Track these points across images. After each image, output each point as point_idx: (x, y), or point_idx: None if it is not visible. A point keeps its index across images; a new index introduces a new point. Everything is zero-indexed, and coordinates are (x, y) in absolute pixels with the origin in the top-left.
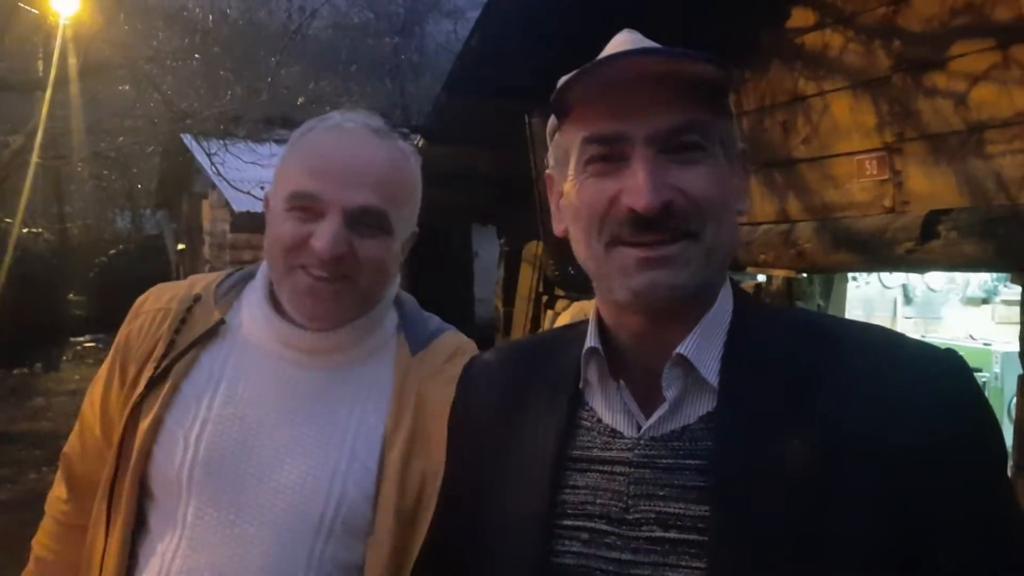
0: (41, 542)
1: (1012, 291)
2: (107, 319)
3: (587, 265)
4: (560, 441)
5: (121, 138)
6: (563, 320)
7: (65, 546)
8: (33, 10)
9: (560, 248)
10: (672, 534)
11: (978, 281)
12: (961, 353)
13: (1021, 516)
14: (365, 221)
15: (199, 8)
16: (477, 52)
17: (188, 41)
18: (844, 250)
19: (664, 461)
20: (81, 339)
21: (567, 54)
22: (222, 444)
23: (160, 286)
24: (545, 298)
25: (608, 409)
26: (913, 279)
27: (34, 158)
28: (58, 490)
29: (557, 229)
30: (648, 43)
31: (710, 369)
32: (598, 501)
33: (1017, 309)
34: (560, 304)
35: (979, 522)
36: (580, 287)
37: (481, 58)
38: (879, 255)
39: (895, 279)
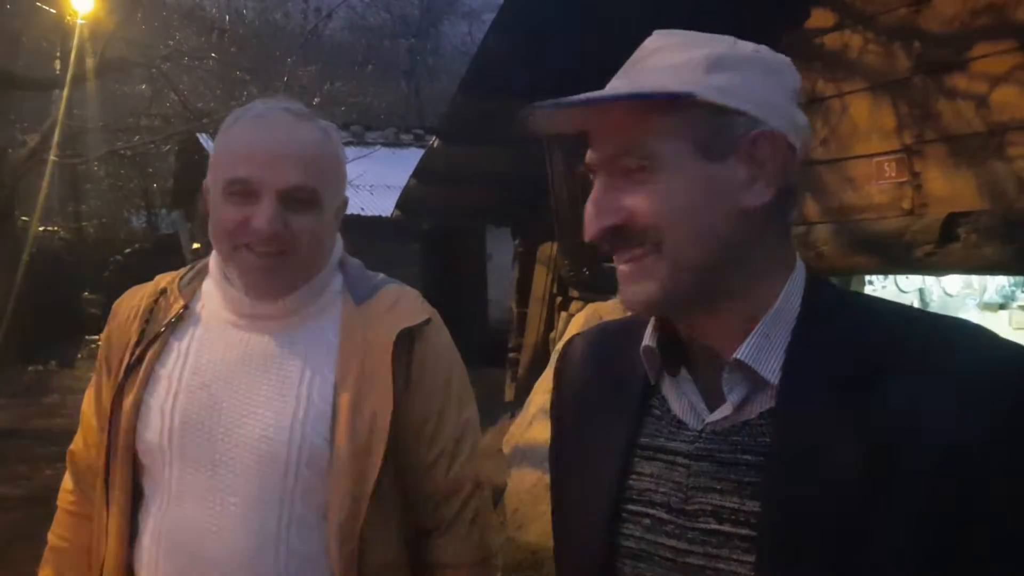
0: (54, 532)
1: None
2: None
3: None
4: (632, 428)
5: (137, 137)
6: (577, 321)
7: (75, 534)
8: (51, 9)
9: (576, 249)
10: (726, 527)
11: (995, 286)
12: None
13: None
14: (297, 198)
15: (215, 8)
16: (493, 53)
17: (204, 40)
18: (862, 252)
19: (723, 455)
20: (96, 337)
21: (582, 55)
22: (193, 410)
23: (132, 288)
24: (559, 299)
25: (675, 400)
26: (930, 283)
27: (51, 156)
28: (66, 483)
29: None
30: (657, 44)
31: (771, 369)
32: (660, 490)
33: None
34: (575, 305)
35: None
36: (595, 288)
37: (497, 59)
38: (897, 258)
39: (912, 283)
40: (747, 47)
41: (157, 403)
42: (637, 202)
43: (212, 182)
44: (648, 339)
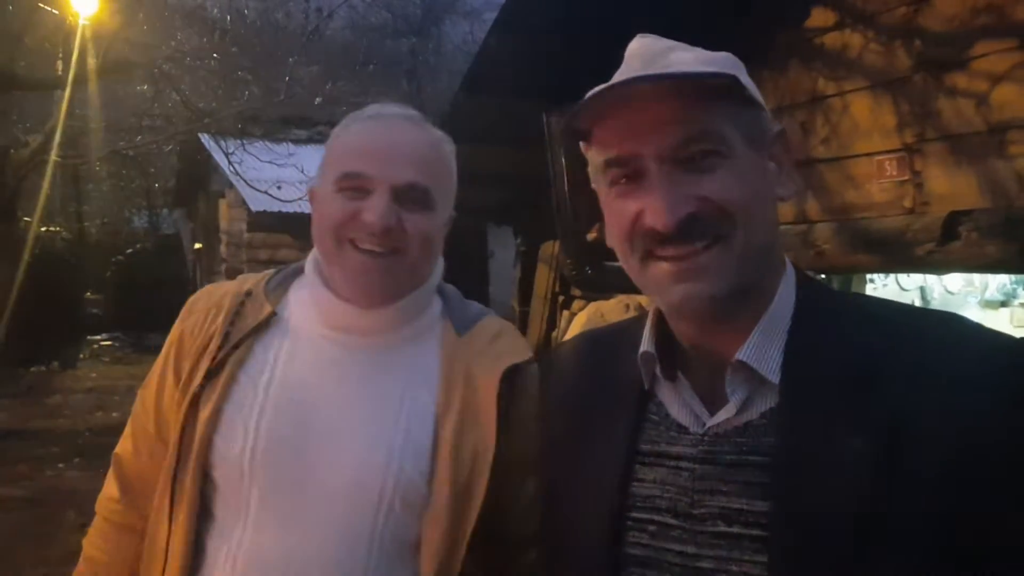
0: (92, 542)
1: None
2: (124, 318)
3: (632, 278)
4: (630, 435)
5: (139, 137)
6: (579, 320)
7: (117, 546)
8: (53, 10)
9: (578, 248)
10: (736, 529)
11: (996, 284)
12: None
13: None
14: (411, 197)
15: (217, 8)
16: (494, 52)
17: (206, 41)
18: (863, 251)
19: (728, 457)
20: (98, 338)
21: (584, 53)
22: (280, 428)
23: (211, 286)
24: (562, 298)
25: (675, 404)
26: (931, 281)
27: (52, 157)
28: (110, 490)
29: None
30: (666, 43)
31: (772, 369)
32: (665, 495)
33: None
34: (577, 304)
35: None
36: (597, 287)
37: (498, 58)
38: (899, 256)
39: (913, 281)
40: (727, 53)
41: (240, 416)
42: (714, 187)
43: (322, 181)
44: (646, 344)
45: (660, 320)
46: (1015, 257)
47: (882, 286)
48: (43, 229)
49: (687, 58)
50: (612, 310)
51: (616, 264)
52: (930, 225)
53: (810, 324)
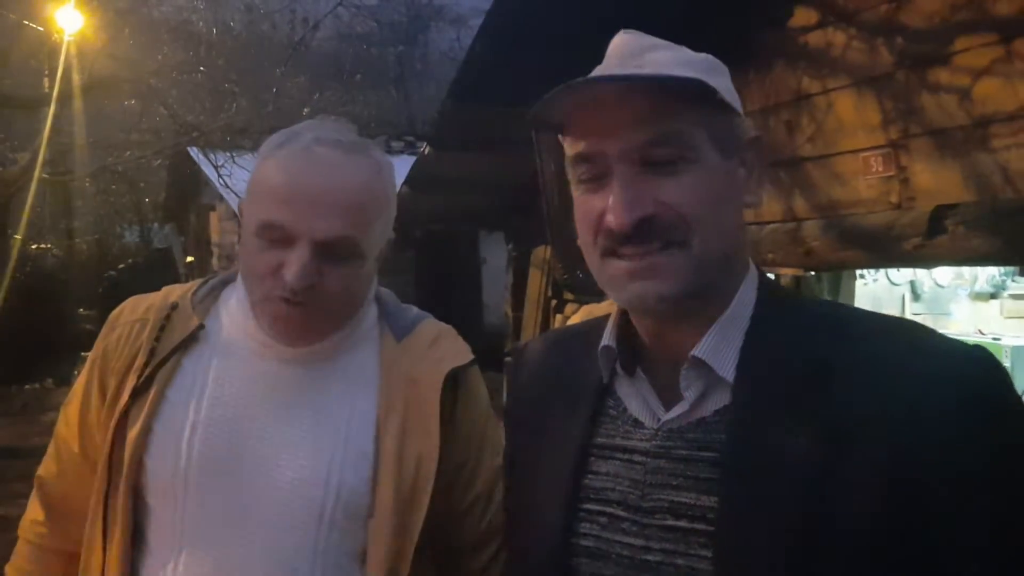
0: (17, 566)
1: (1020, 285)
2: None
3: (593, 274)
4: (587, 428)
5: (127, 152)
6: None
7: (44, 570)
8: (38, 27)
9: (569, 252)
10: (683, 523)
11: (986, 276)
12: None
13: None
14: (336, 251)
15: (203, 22)
16: (481, 59)
17: (192, 54)
18: (852, 247)
19: (679, 452)
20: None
21: (570, 58)
22: (215, 447)
23: (135, 298)
24: (554, 302)
25: (632, 400)
26: (921, 275)
27: (37, 173)
28: (33, 513)
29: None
30: (648, 41)
31: (727, 367)
32: (617, 488)
33: None
34: (569, 308)
35: (983, 526)
36: (589, 290)
37: (485, 65)
38: (887, 251)
39: (903, 275)
40: (709, 56)
41: (171, 435)
42: (674, 192)
43: (247, 213)
44: (607, 339)
45: (624, 317)
46: (1001, 249)
47: (872, 281)
48: (33, 247)
49: (665, 58)
50: (604, 312)
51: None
52: (916, 220)
53: (767, 325)
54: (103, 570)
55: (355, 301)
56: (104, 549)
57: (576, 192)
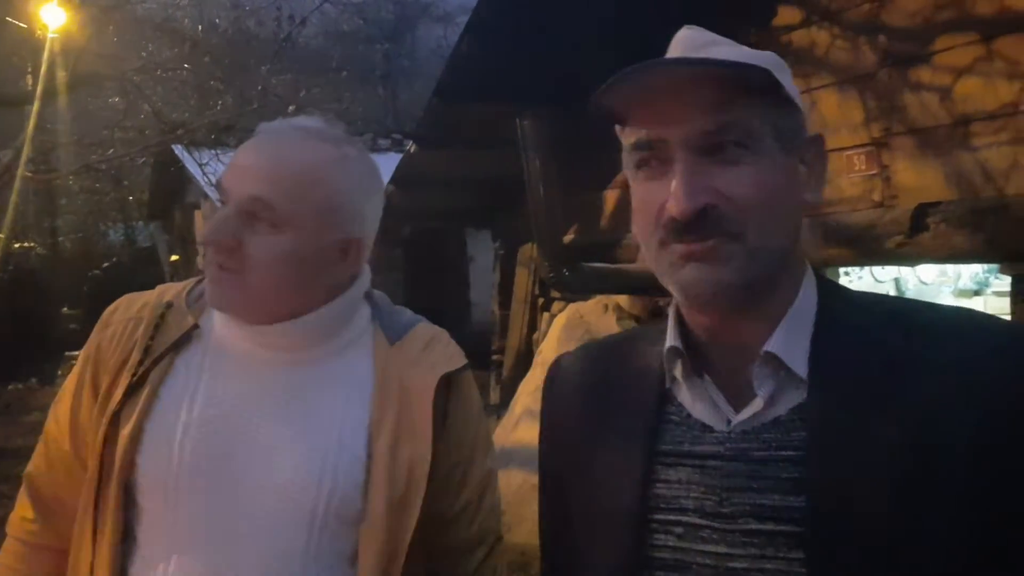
0: (5, 564)
1: (1003, 282)
2: None
3: (649, 264)
4: (649, 436)
5: (112, 150)
6: (558, 322)
7: (32, 567)
8: (21, 24)
9: (555, 250)
10: (769, 526)
11: (969, 273)
12: None
13: None
14: (259, 215)
15: (188, 18)
16: (467, 57)
17: (177, 51)
18: (835, 245)
19: (757, 453)
20: (76, 353)
21: (556, 57)
22: (207, 447)
23: (129, 296)
24: (541, 300)
25: (696, 404)
26: (905, 272)
27: (20, 172)
28: (22, 510)
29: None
30: (710, 36)
31: (799, 363)
32: (691, 495)
33: (1008, 300)
34: (556, 306)
35: None
36: (575, 288)
37: (471, 62)
38: (870, 249)
39: (887, 273)
40: (773, 54)
41: (163, 435)
42: (734, 183)
43: None
44: (672, 339)
45: (680, 318)
46: (982, 247)
47: (857, 279)
48: (17, 245)
49: (729, 52)
50: (591, 311)
51: (593, 265)
52: (899, 218)
53: (835, 320)
54: (92, 569)
55: (291, 281)
56: (94, 548)
57: (634, 181)
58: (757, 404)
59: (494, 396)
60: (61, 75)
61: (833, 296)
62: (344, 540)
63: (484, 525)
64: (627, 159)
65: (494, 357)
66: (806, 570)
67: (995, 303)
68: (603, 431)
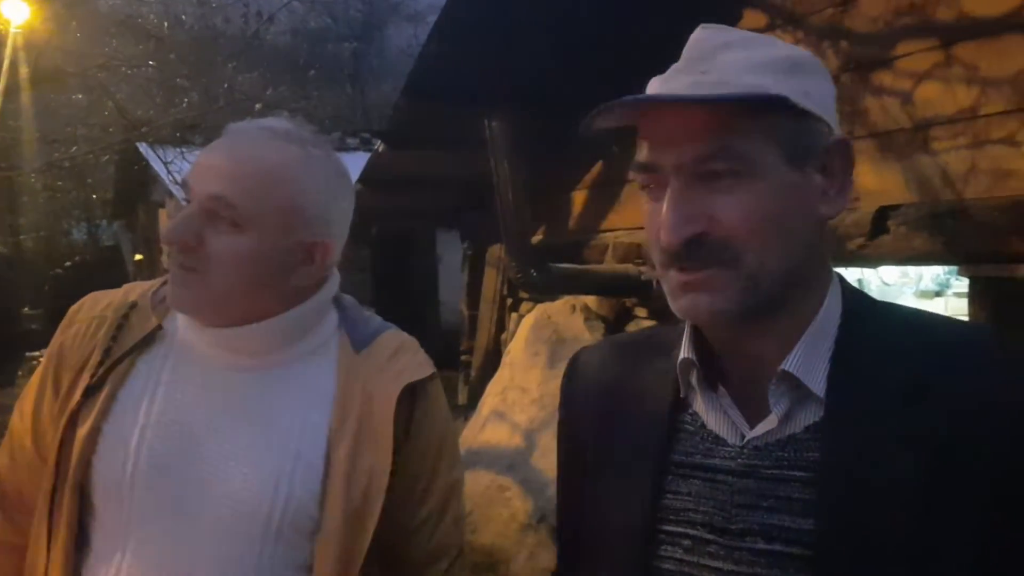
0: None
1: (963, 283)
2: None
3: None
4: (662, 445)
5: (75, 148)
6: (527, 323)
7: None
8: None
9: (523, 251)
10: (776, 546)
11: (931, 274)
12: None
13: None
14: (220, 214)
15: (153, 15)
16: (435, 57)
17: (142, 48)
18: (830, 251)
19: (768, 471)
20: (37, 354)
21: (524, 58)
22: (163, 451)
23: (94, 294)
24: (510, 301)
25: (710, 415)
26: (868, 274)
27: None
28: None
29: None
30: (723, 37)
31: (817, 381)
32: (701, 508)
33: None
34: (525, 306)
35: None
36: (543, 289)
37: (440, 62)
38: (832, 251)
39: (850, 274)
40: (804, 51)
41: (120, 437)
42: (726, 210)
43: None
44: (686, 351)
45: (696, 328)
46: (941, 249)
47: None
48: None
49: (736, 59)
50: (558, 312)
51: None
52: (860, 220)
53: (856, 336)
54: (47, 568)
55: (239, 282)
56: (48, 549)
57: (642, 199)
58: (771, 421)
59: (462, 396)
60: (24, 71)
61: (857, 310)
62: (299, 550)
63: (446, 538)
64: (634, 177)
65: (463, 357)
66: None
67: (956, 304)
68: (617, 435)
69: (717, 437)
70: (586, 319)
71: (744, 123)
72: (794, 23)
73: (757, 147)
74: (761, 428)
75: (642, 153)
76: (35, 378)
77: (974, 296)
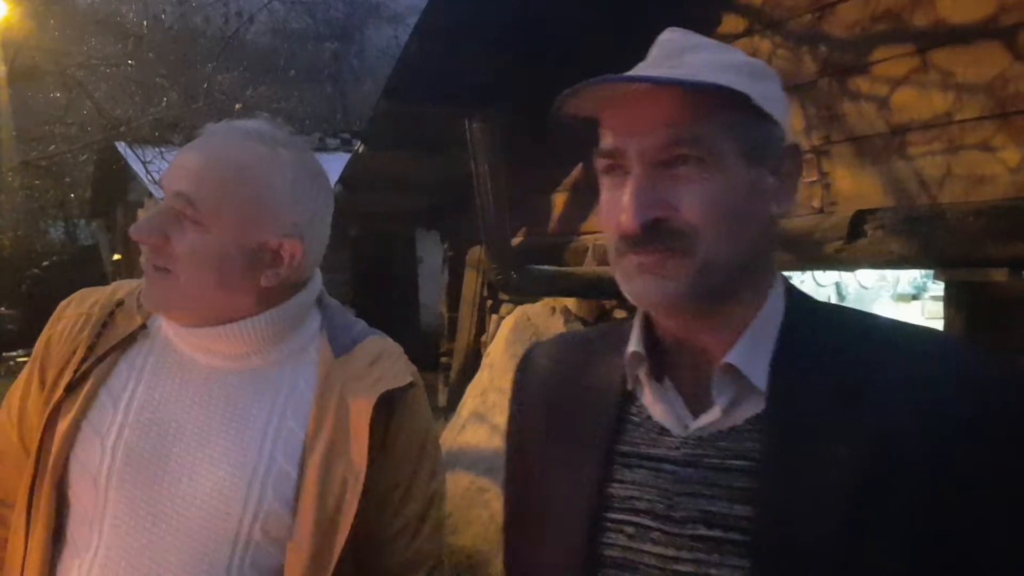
0: None
1: (940, 287)
2: (40, 333)
3: (611, 266)
4: (610, 435)
5: (53, 146)
6: (507, 324)
7: None
8: None
9: (503, 252)
10: (716, 533)
11: (908, 278)
12: None
13: None
14: (184, 212)
15: (132, 13)
16: (416, 58)
17: (121, 47)
18: (776, 250)
19: (710, 460)
20: (13, 354)
21: (504, 59)
22: (139, 449)
23: (84, 291)
24: (490, 303)
25: (656, 406)
26: (845, 277)
27: None
28: None
29: None
30: (691, 40)
31: (759, 374)
32: (644, 497)
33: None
34: (505, 308)
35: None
36: (523, 291)
37: (421, 64)
38: (809, 254)
39: (828, 277)
40: (760, 60)
41: (97, 435)
42: (686, 197)
43: None
44: (634, 344)
45: (647, 323)
46: (917, 253)
47: (799, 283)
48: None
49: (704, 60)
50: (538, 314)
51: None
52: (837, 224)
53: (799, 333)
54: (24, 561)
55: (203, 279)
56: (27, 539)
57: (602, 187)
58: (714, 413)
59: (442, 398)
60: (1, 68)
61: (800, 308)
62: (270, 556)
63: (423, 548)
64: (597, 163)
65: (442, 359)
66: None
67: (932, 307)
68: (566, 427)
69: (662, 428)
70: (566, 321)
71: (709, 115)
72: (772, 28)
73: (719, 140)
74: (704, 419)
75: (606, 139)
76: (23, 372)
77: (950, 300)
